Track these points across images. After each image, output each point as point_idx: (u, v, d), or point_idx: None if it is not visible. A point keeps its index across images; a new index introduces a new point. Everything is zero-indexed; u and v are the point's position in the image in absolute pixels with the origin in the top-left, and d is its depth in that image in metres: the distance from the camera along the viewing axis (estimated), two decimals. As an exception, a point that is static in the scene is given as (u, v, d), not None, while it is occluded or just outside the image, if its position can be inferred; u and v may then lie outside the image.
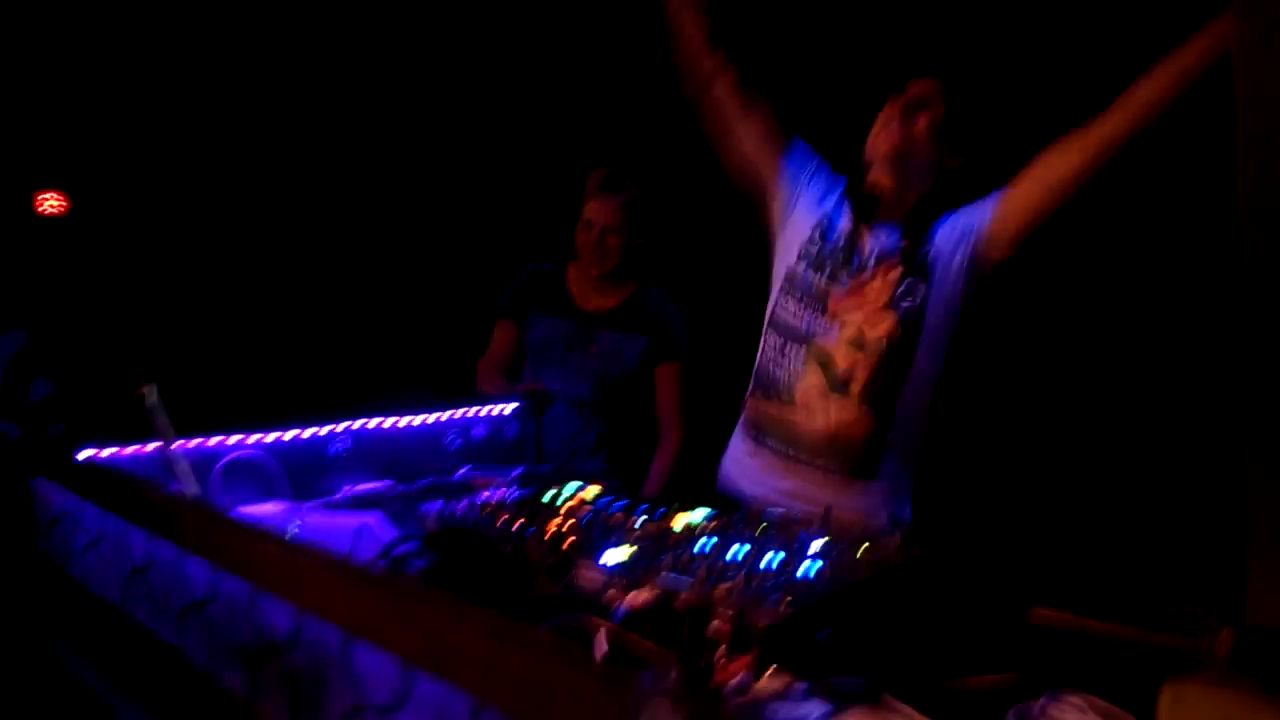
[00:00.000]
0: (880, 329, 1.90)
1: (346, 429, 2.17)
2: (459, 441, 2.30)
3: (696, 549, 1.31)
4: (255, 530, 1.50)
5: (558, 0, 3.37)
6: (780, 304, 2.03)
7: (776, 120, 2.06)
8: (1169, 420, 2.44)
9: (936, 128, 1.90)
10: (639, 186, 2.54)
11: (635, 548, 1.29)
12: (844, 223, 1.98)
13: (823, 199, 2.04)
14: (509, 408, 2.41)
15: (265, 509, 1.88)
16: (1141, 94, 1.67)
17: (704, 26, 2.03)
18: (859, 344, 1.91)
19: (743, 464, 2.07)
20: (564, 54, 3.48)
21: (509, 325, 2.63)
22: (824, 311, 1.95)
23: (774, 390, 2.00)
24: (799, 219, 2.04)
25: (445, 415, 2.30)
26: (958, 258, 1.91)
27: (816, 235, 2.00)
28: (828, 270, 1.97)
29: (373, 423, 2.22)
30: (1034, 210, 1.85)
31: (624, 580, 1.23)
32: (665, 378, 2.57)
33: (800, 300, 1.99)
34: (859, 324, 1.92)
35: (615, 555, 1.28)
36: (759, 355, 2.07)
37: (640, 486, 2.63)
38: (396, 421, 2.24)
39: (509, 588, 1.34)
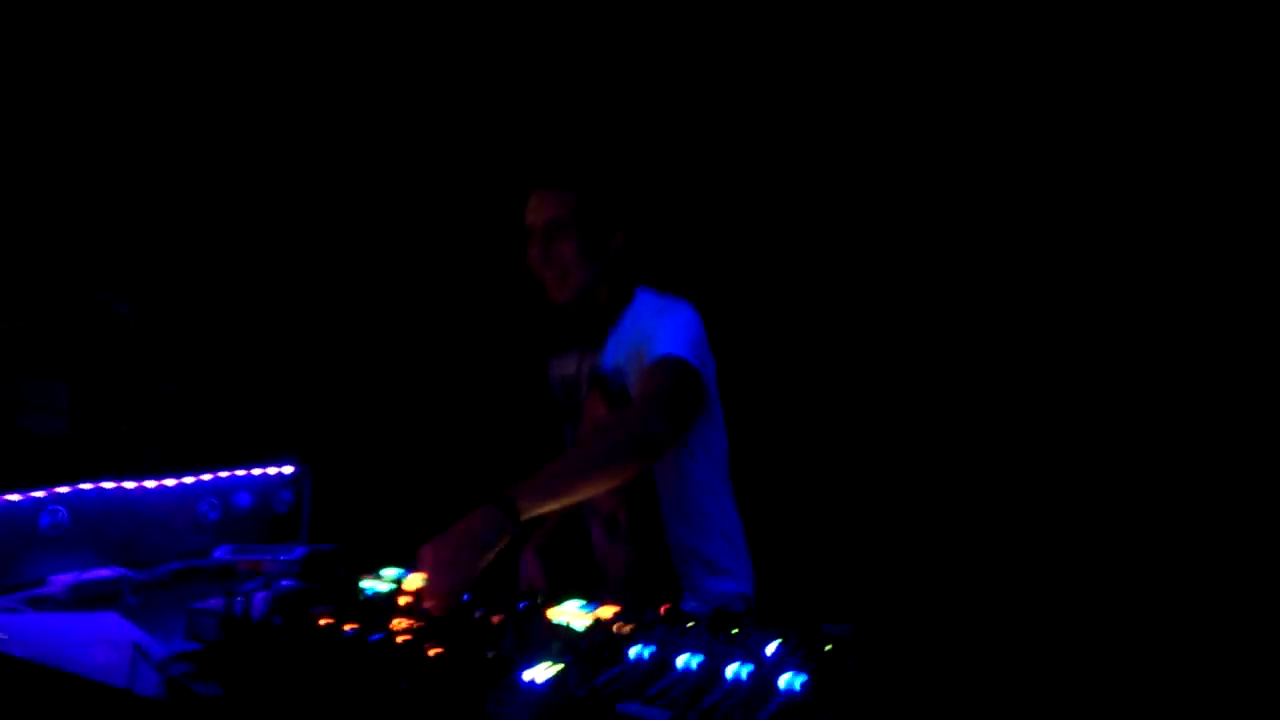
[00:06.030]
0: None
1: (55, 494, 1.61)
2: (216, 512, 1.79)
3: (632, 658, 1.03)
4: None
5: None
6: None
7: None
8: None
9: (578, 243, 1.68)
10: None
11: (562, 664, 0.98)
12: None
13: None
14: (283, 470, 1.94)
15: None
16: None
17: None
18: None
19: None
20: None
21: None
22: None
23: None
24: None
25: (199, 477, 1.79)
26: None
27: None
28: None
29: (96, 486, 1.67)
30: None
31: (561, 707, 0.92)
32: None
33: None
34: None
35: (541, 673, 0.96)
36: None
37: None
38: (129, 485, 1.70)
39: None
